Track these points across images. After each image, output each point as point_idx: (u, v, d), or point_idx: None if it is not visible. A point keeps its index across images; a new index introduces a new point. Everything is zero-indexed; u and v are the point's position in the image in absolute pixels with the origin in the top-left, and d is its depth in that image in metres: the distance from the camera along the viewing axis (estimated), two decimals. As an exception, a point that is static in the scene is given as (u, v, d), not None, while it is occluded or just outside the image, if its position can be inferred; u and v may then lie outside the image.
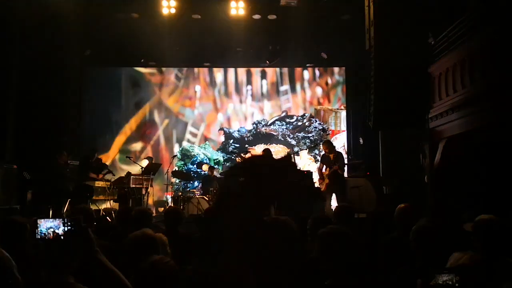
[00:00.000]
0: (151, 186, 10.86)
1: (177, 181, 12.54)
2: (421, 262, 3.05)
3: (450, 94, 8.34)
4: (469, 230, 3.24)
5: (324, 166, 9.60)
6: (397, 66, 8.84)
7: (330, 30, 12.09)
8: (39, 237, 1.76)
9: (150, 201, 11.07)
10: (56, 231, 1.76)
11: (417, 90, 9.12)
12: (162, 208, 11.14)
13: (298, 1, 11.24)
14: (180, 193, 10.86)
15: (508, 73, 6.52)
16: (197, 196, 10.23)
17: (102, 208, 10.05)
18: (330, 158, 9.53)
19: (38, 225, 1.78)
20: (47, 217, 6.98)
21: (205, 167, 12.28)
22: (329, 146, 9.90)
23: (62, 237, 1.74)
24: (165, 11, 11.08)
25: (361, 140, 12.21)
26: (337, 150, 10.60)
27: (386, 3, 9.02)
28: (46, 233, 1.76)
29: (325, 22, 11.84)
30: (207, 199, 10.13)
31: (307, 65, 13.65)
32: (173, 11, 11.08)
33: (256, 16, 11.93)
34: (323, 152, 10.08)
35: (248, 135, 13.69)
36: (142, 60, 13.29)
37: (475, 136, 8.26)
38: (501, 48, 6.77)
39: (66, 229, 1.76)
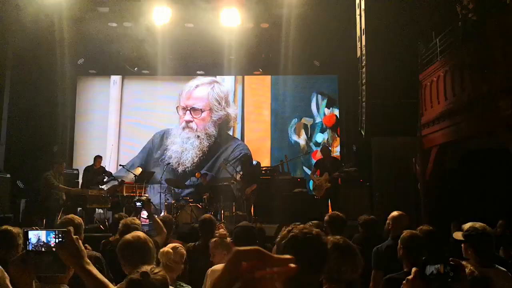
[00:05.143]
0: (145, 194, 10.79)
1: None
2: (408, 270, 3.03)
3: (441, 101, 8.40)
4: (459, 238, 3.20)
5: (319, 172, 9.60)
6: (388, 73, 8.89)
7: (322, 38, 12.12)
8: (30, 248, 1.74)
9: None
10: (47, 242, 1.74)
11: (408, 98, 9.17)
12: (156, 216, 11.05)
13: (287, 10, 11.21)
14: (173, 201, 10.80)
15: (496, 82, 6.59)
16: (190, 204, 10.17)
17: (96, 216, 10.00)
18: (327, 164, 9.58)
19: (28, 236, 1.75)
20: (41, 226, 6.89)
21: (197, 175, 12.22)
22: (326, 151, 10.05)
23: (53, 249, 1.72)
24: (158, 20, 11.07)
25: (354, 148, 12.24)
26: (332, 155, 10.72)
27: (377, 12, 9.09)
28: (37, 245, 1.73)
29: (317, 30, 11.87)
30: (200, 207, 10.08)
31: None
32: (166, 20, 11.06)
33: (249, 25, 11.97)
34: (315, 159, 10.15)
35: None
36: (136, 69, 13.30)
37: (466, 144, 8.33)
38: (489, 57, 6.85)
39: (57, 240, 1.73)
